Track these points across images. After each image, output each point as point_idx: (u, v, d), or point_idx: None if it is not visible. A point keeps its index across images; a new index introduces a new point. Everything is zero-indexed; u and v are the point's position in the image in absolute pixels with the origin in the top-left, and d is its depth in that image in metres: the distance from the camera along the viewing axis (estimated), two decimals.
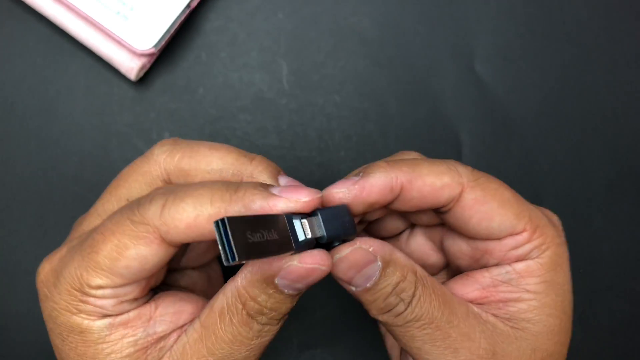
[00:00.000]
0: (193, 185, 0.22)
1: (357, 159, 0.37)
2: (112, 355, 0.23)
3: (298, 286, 0.22)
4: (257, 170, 0.25)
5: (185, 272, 0.28)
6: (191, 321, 0.24)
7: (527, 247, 0.25)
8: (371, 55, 0.38)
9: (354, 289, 0.23)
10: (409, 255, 0.24)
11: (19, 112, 0.37)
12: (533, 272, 0.25)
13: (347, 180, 0.24)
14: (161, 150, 0.25)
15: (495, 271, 0.25)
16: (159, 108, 0.37)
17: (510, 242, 0.25)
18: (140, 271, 0.23)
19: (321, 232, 0.22)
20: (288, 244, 0.21)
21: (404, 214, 0.28)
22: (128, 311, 0.23)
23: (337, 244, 0.23)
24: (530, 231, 0.24)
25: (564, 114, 0.39)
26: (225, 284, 0.23)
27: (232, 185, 0.22)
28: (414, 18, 0.39)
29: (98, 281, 0.22)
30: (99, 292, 0.23)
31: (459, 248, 0.27)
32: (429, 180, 0.24)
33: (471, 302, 0.25)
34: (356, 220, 0.26)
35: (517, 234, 0.24)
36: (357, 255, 0.23)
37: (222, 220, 0.18)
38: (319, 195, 0.22)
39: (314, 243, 0.22)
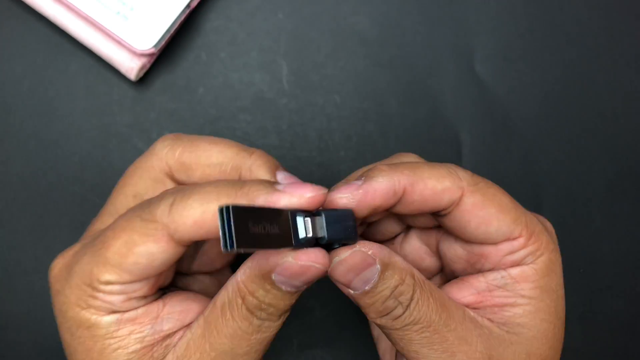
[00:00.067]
0: (200, 184, 0.23)
1: (357, 159, 0.37)
2: (119, 350, 0.23)
3: (295, 283, 0.22)
4: (256, 164, 0.26)
5: (197, 277, 0.29)
6: (197, 319, 0.24)
7: (522, 253, 0.25)
8: (371, 55, 0.38)
9: (352, 292, 0.23)
10: (404, 258, 0.24)
11: (19, 112, 0.37)
12: (528, 278, 0.25)
13: (350, 184, 0.24)
14: (163, 145, 0.26)
15: (490, 276, 0.25)
16: (159, 108, 0.37)
17: (506, 247, 0.25)
18: (148, 268, 0.23)
19: (322, 232, 0.22)
20: (287, 239, 0.21)
21: (400, 217, 0.28)
22: (136, 308, 0.24)
23: (336, 246, 0.23)
24: (526, 237, 0.25)
25: (564, 114, 0.39)
26: (228, 280, 0.24)
27: (238, 183, 0.23)
28: (414, 18, 0.39)
29: (107, 277, 0.23)
30: (108, 287, 0.23)
31: (455, 252, 0.27)
32: (430, 184, 0.24)
33: (467, 306, 0.25)
34: (358, 223, 0.26)
35: (513, 239, 0.25)
36: (356, 258, 0.23)
37: (227, 207, 0.18)
38: (324, 192, 0.22)
39: (314, 243, 0.22)
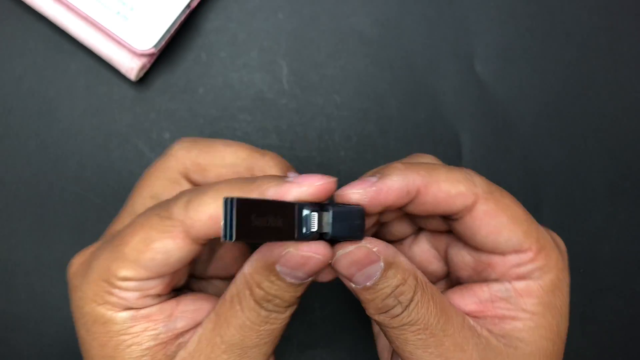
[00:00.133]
0: (215, 182, 0.24)
1: (357, 159, 0.37)
2: (133, 347, 0.24)
3: (298, 274, 0.22)
4: (269, 165, 0.26)
5: (212, 281, 0.29)
6: (208, 315, 0.25)
7: (529, 267, 0.25)
8: (371, 55, 0.38)
9: (353, 285, 0.24)
10: (411, 259, 0.24)
11: (19, 112, 0.37)
12: (532, 293, 0.25)
13: (364, 181, 0.24)
14: (180, 146, 0.27)
15: (495, 287, 0.25)
16: (159, 108, 0.37)
17: (514, 259, 0.25)
18: (165, 265, 0.23)
19: (328, 228, 0.22)
20: (290, 233, 0.21)
21: (412, 218, 0.28)
22: (151, 305, 0.24)
23: (341, 241, 0.23)
24: (536, 251, 0.24)
25: (564, 114, 0.39)
26: (237, 273, 0.24)
27: (250, 179, 0.23)
28: (414, 18, 0.39)
29: (124, 272, 0.23)
30: (124, 283, 0.23)
31: (463, 258, 0.27)
32: (444, 187, 0.24)
33: (467, 314, 0.25)
34: (369, 223, 0.26)
35: (522, 251, 0.24)
36: (360, 253, 0.23)
37: (231, 199, 0.18)
38: (333, 179, 0.22)
39: (318, 237, 0.22)
